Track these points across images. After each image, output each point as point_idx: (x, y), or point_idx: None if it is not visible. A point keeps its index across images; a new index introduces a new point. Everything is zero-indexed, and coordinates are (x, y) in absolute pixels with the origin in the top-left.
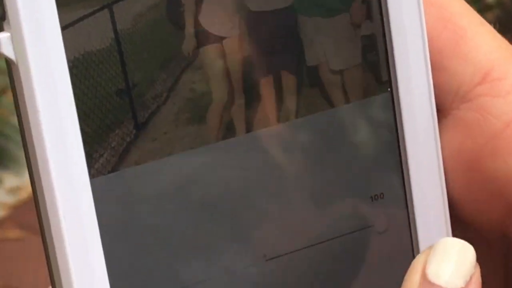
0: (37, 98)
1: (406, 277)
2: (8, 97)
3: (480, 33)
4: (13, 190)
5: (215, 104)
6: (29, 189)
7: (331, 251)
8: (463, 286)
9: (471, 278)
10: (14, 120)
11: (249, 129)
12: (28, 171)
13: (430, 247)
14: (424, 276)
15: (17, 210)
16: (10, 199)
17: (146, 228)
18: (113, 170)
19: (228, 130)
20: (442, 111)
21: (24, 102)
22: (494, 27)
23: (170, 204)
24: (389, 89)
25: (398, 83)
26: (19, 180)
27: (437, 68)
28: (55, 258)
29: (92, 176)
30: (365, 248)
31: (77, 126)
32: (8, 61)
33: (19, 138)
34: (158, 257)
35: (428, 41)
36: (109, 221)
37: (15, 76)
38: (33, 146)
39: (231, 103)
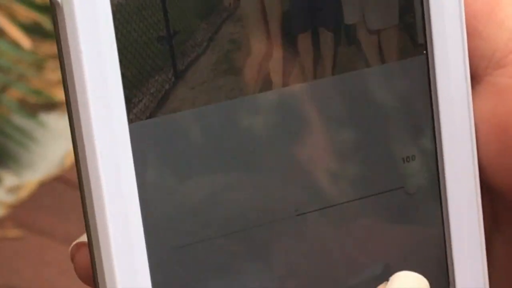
0: (80, 39)
1: None
2: (8, 95)
3: None
4: (13, 189)
5: (253, 56)
6: (29, 188)
7: (362, 209)
8: None
9: None
10: (14, 119)
11: (285, 83)
12: (68, 114)
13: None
14: None
15: (16, 210)
16: (9, 198)
17: (181, 175)
18: (151, 116)
19: (265, 83)
20: (476, 77)
21: (67, 44)
22: None
23: (206, 153)
24: (424, 52)
25: (433, 46)
26: (18, 179)
27: (472, 34)
28: (92, 203)
29: (130, 120)
30: (395, 208)
31: (118, 70)
32: (52, 3)
33: (19, 137)
34: (194, 203)
35: (464, 6)
36: (145, 166)
37: (59, 18)
38: (74, 88)
39: (269, 56)
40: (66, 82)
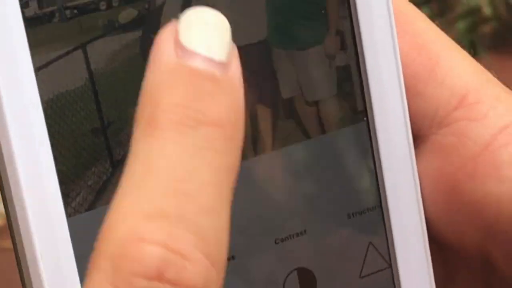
0: (11, 141)
1: (152, 51)
2: None
3: (454, 58)
4: None
5: None
6: None
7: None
8: (225, 61)
9: (232, 55)
10: None
11: None
12: (5, 211)
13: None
14: (178, 45)
15: None
16: None
17: None
18: (90, 208)
19: None
20: (420, 136)
21: None
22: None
23: None
24: (365, 119)
25: (373, 112)
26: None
27: (414, 93)
28: None
29: (69, 215)
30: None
31: (53, 167)
32: None
33: None
34: None
35: (403, 67)
36: (87, 259)
37: None
38: (9, 189)
39: None
40: (1, 178)
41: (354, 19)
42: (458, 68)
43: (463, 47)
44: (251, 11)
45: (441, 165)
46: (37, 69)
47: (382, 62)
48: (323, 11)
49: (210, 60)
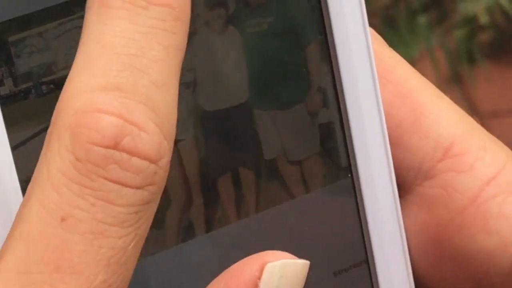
0: None
1: None
2: None
3: (439, 107)
4: None
5: (173, 208)
6: None
7: None
8: None
9: None
10: None
11: (209, 228)
12: None
13: None
14: None
15: None
16: None
17: None
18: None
19: (188, 232)
20: (405, 188)
21: None
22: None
23: None
24: (349, 175)
25: (358, 168)
26: None
27: (398, 145)
28: None
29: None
30: None
31: None
32: None
33: None
34: None
35: (387, 118)
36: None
37: None
38: None
39: (190, 205)
40: None
41: (336, 76)
42: (443, 117)
43: (461, 55)
44: (230, 74)
45: (427, 217)
46: (14, 148)
47: (365, 117)
48: (304, 69)
49: None
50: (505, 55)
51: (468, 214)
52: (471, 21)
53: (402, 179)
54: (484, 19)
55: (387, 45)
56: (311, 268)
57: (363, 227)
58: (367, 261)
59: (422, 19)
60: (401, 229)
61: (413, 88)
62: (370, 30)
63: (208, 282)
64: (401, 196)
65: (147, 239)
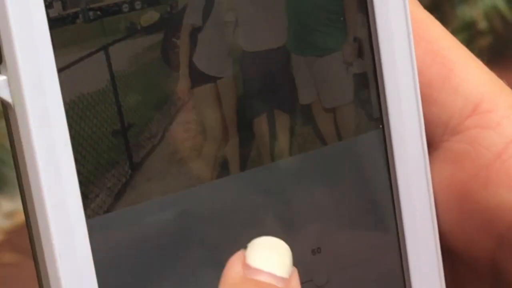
0: (33, 139)
1: (223, 272)
2: (3, 121)
3: (469, 66)
4: (9, 215)
5: (209, 144)
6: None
7: None
8: (286, 277)
9: (292, 273)
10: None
11: (243, 167)
12: (24, 211)
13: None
14: (245, 265)
15: (12, 234)
16: (6, 223)
17: (141, 268)
18: (109, 210)
19: (223, 169)
20: (433, 143)
21: (21, 144)
22: (486, 53)
23: (166, 244)
24: (381, 126)
25: (389, 120)
26: (14, 205)
27: (427, 101)
28: None
29: (88, 216)
30: None
31: (73, 167)
32: (4, 104)
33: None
34: None
35: (418, 74)
36: (105, 261)
37: (11, 118)
38: (29, 187)
39: (226, 142)
40: (21, 179)
41: (372, 27)
42: (472, 76)
43: None
44: (271, 17)
45: (453, 172)
46: (60, 70)
47: (399, 70)
48: (341, 19)
49: (274, 275)
50: (503, 60)
51: (493, 170)
52: (469, 26)
53: (431, 134)
54: (482, 24)
55: (422, 7)
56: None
57: (392, 178)
58: (394, 213)
59: None
60: (429, 183)
61: (445, 46)
62: None
63: (237, 220)
64: (428, 152)
65: (184, 173)
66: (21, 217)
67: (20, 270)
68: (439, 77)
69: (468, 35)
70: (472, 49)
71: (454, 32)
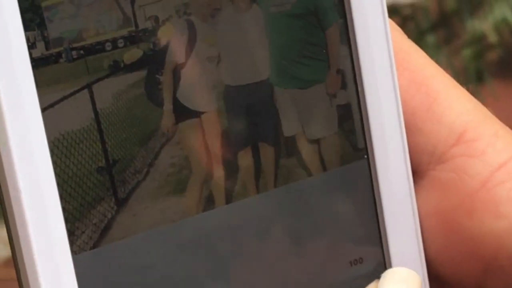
0: (18, 177)
1: None
2: None
3: (453, 95)
4: None
5: (194, 178)
6: None
7: None
8: None
9: None
10: None
11: (228, 200)
12: (11, 248)
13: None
14: None
15: None
16: None
17: None
18: (95, 246)
19: (208, 202)
20: (418, 172)
21: (6, 182)
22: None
23: (152, 278)
24: (365, 156)
25: (374, 150)
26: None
27: (412, 130)
28: None
29: (74, 252)
30: None
31: (58, 204)
32: None
33: None
34: None
35: (402, 104)
36: None
37: None
38: (15, 225)
39: (211, 176)
40: (7, 216)
41: (355, 58)
42: (456, 105)
43: (469, 74)
44: (253, 52)
45: (439, 201)
46: (44, 109)
47: (382, 100)
48: (323, 51)
49: None
50: None
51: (478, 198)
52: (479, 40)
53: (416, 163)
54: (492, 37)
55: (406, 36)
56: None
57: (377, 208)
58: (381, 243)
59: (430, 39)
60: (415, 211)
61: (429, 76)
62: (389, 21)
63: (224, 253)
64: (414, 180)
65: (169, 207)
66: None
67: None
68: (423, 106)
69: (477, 48)
70: (481, 62)
71: (464, 45)
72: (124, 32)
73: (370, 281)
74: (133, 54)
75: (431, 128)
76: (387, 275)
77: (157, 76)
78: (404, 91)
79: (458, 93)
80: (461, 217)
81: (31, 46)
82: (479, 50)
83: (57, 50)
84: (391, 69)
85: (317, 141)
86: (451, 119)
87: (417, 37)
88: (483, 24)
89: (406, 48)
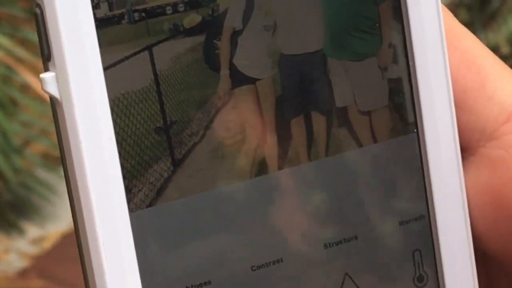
0: (79, 134)
1: None
2: (31, 149)
3: (503, 75)
4: (36, 241)
5: (248, 143)
6: (52, 240)
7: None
8: None
9: None
10: (38, 172)
11: (281, 166)
12: (70, 205)
13: None
14: None
15: (40, 261)
16: (33, 250)
17: (182, 261)
18: (151, 204)
19: (261, 167)
20: (469, 149)
21: (68, 138)
22: None
23: (206, 238)
24: (415, 130)
25: (423, 124)
26: (42, 231)
27: (463, 108)
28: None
29: (131, 210)
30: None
31: (117, 162)
32: (52, 100)
33: (42, 190)
34: None
35: (453, 82)
36: (147, 254)
37: (59, 113)
38: (75, 180)
39: (264, 142)
40: (67, 172)
41: (406, 34)
42: (506, 85)
43: None
44: (308, 22)
45: (488, 177)
46: (106, 68)
47: (432, 76)
48: (376, 25)
49: None
50: None
51: None
52: (492, 52)
53: (466, 140)
54: (505, 49)
55: (456, 19)
56: (375, 216)
57: (426, 182)
58: (428, 216)
59: None
60: (462, 187)
61: (480, 56)
62: (442, 6)
63: (274, 218)
64: (464, 157)
65: (223, 170)
66: (48, 243)
67: None
68: (474, 85)
69: None
70: None
71: None
72: None
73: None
74: (192, 19)
75: (481, 105)
76: None
77: (215, 41)
78: (455, 70)
79: (508, 74)
80: (510, 193)
81: (95, 6)
82: None
83: (120, 11)
84: (442, 45)
85: (368, 113)
86: (502, 98)
87: None
88: (497, 36)
89: (457, 29)
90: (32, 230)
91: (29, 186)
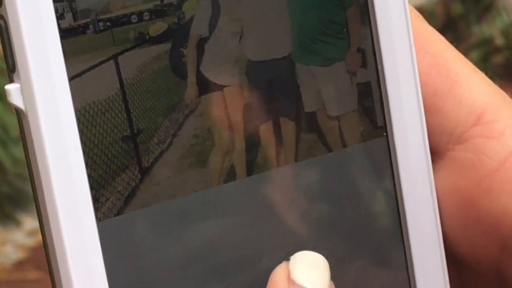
0: (45, 145)
1: (270, 284)
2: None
3: (473, 78)
4: (33, 232)
5: (216, 150)
6: None
7: None
8: None
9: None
10: None
11: (249, 173)
12: (38, 216)
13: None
14: (290, 281)
15: (36, 252)
16: (29, 241)
17: (150, 270)
18: (119, 213)
19: (230, 174)
20: (438, 152)
21: (34, 149)
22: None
23: (173, 246)
24: (384, 134)
25: (393, 128)
26: (37, 223)
27: (433, 111)
28: None
29: (99, 219)
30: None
31: (84, 172)
32: (18, 111)
33: None
34: None
35: (423, 85)
36: (115, 262)
37: (24, 125)
38: (42, 192)
39: (232, 148)
40: (34, 183)
41: (374, 38)
42: (476, 88)
43: None
44: (276, 28)
45: (458, 180)
46: (71, 78)
47: (401, 79)
48: (344, 30)
49: None
50: None
51: (496, 178)
52: (486, 43)
53: (436, 143)
54: (499, 40)
55: (426, 22)
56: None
57: (396, 185)
58: (399, 219)
59: None
60: (433, 191)
61: (449, 59)
62: (410, 7)
63: (243, 224)
64: (433, 160)
65: (191, 177)
66: None
67: (43, 287)
68: (444, 88)
69: (485, 51)
70: (488, 65)
71: (470, 48)
72: (150, 5)
73: (388, 255)
74: (158, 27)
75: (451, 108)
76: (297, 258)
77: (181, 49)
78: (425, 74)
79: (478, 76)
80: (479, 196)
81: (59, 17)
82: (485, 53)
83: (84, 21)
84: (410, 49)
85: (337, 118)
86: (471, 101)
87: None
88: (492, 29)
89: (426, 32)
90: (29, 222)
91: (25, 176)
